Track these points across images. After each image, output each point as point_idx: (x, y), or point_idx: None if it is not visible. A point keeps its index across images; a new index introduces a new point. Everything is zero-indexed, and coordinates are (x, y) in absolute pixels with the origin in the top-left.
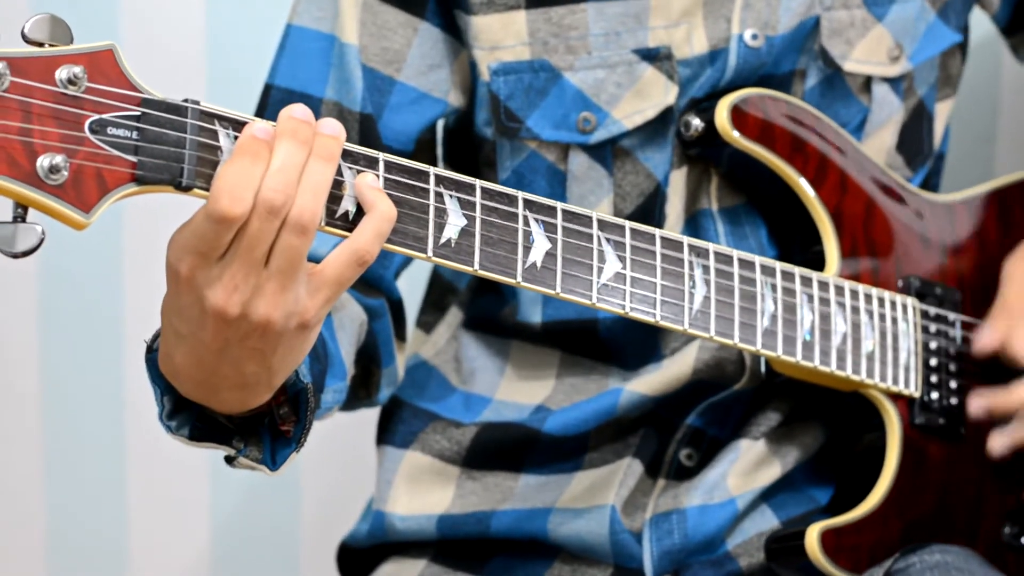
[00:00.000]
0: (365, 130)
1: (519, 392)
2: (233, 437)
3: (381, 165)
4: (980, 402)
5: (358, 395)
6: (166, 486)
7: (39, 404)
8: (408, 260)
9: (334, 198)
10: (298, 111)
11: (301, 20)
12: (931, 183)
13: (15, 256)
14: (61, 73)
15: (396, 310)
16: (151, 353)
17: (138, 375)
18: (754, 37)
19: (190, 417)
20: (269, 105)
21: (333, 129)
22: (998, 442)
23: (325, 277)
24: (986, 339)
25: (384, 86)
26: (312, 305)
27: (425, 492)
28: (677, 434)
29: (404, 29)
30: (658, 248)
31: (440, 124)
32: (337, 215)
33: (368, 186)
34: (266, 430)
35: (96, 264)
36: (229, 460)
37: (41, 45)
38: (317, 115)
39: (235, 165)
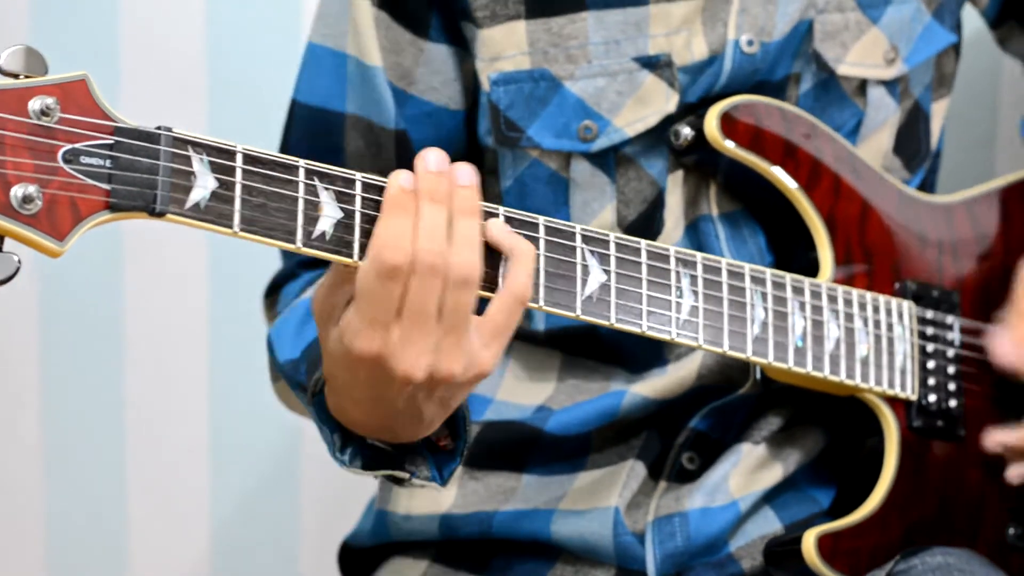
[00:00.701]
0: (400, 147)
1: (520, 392)
2: (403, 462)
3: (358, 185)
4: (994, 440)
5: None
6: (166, 486)
7: (39, 404)
8: None
9: (310, 219)
10: (432, 162)
11: (313, 37)
12: (928, 182)
13: None
14: (34, 104)
15: None
16: (315, 397)
17: (138, 375)
18: (749, 43)
19: (358, 449)
20: (296, 121)
21: (468, 179)
22: (1015, 473)
23: (495, 326)
24: (1003, 346)
25: (400, 99)
26: (488, 356)
27: (427, 492)
28: (679, 437)
29: (411, 47)
30: (644, 259)
31: None
32: (313, 236)
33: (504, 232)
34: (423, 448)
35: (96, 265)
36: (399, 481)
37: (16, 76)
38: (342, 128)
39: (386, 221)
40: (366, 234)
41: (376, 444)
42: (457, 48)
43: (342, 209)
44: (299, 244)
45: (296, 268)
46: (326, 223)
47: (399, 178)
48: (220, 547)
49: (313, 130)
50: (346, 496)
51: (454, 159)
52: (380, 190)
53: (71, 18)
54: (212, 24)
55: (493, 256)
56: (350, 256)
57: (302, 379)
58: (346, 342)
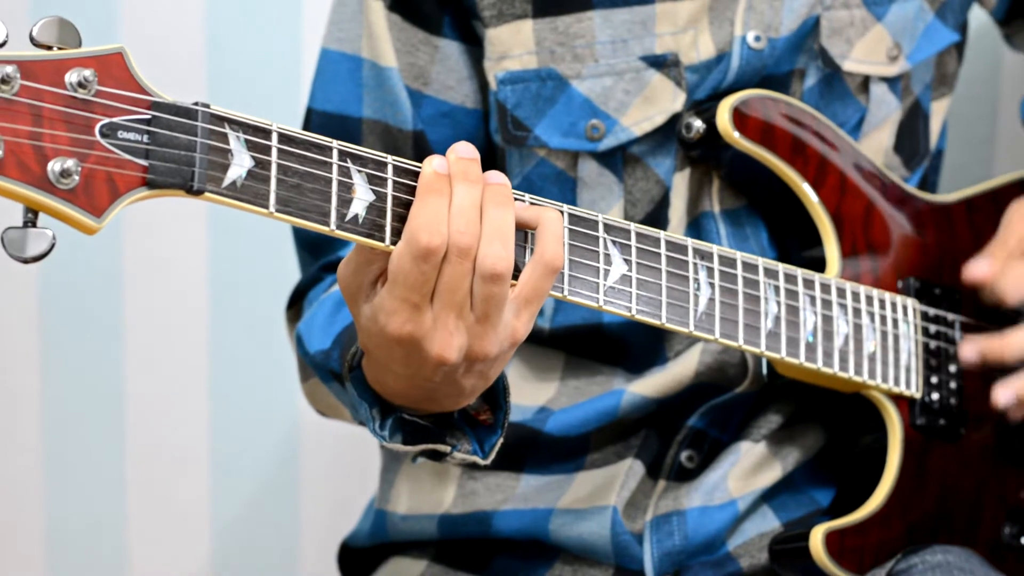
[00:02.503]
0: (418, 148)
1: (522, 393)
2: (444, 435)
3: (389, 168)
4: (972, 347)
5: None
6: (166, 486)
7: (39, 404)
8: None
9: (343, 201)
10: (463, 150)
11: (327, 43)
12: (929, 181)
13: (25, 261)
14: (71, 76)
15: None
16: (353, 371)
17: (138, 375)
18: (756, 39)
19: (397, 424)
20: (313, 129)
21: (499, 177)
22: (1002, 395)
23: (526, 295)
24: (978, 270)
25: (415, 100)
26: (520, 324)
27: (426, 492)
28: (678, 436)
29: (425, 47)
30: (663, 251)
31: None
32: (347, 219)
33: (524, 207)
34: (461, 421)
35: (96, 265)
36: (439, 456)
37: (49, 48)
38: (359, 133)
39: (423, 203)
40: (398, 218)
41: (416, 420)
42: (470, 46)
43: (374, 192)
44: (333, 227)
45: (320, 272)
46: (359, 206)
47: (434, 162)
48: (220, 547)
49: (331, 137)
50: (346, 496)
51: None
52: (411, 174)
53: (71, 18)
54: (212, 23)
55: (521, 237)
56: (382, 240)
57: (334, 366)
58: (381, 322)
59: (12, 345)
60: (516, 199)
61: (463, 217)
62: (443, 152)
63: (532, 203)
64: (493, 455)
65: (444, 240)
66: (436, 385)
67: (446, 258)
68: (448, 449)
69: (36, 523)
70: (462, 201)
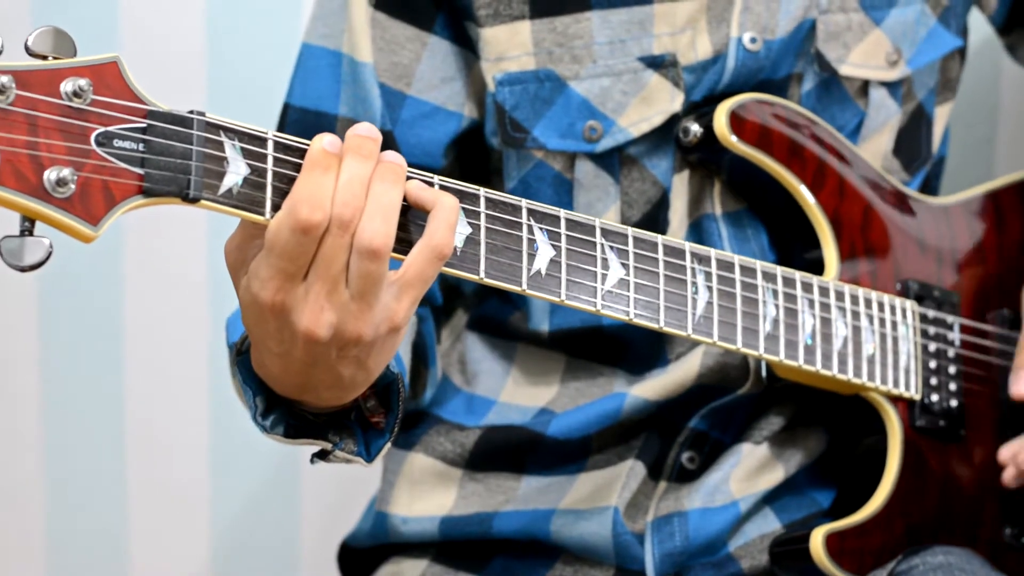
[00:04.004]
0: (386, 147)
1: (524, 395)
2: (328, 432)
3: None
4: (1009, 451)
5: (408, 396)
6: (166, 486)
7: (39, 404)
8: None
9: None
10: (362, 128)
11: (310, 38)
12: (931, 186)
13: (22, 270)
14: (66, 86)
15: (437, 314)
16: (240, 356)
17: (138, 376)
18: (752, 41)
19: (283, 415)
20: (288, 124)
21: (396, 156)
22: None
23: (408, 279)
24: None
25: (395, 101)
26: (400, 308)
27: (428, 494)
28: (680, 437)
29: (413, 43)
30: (660, 255)
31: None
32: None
33: (419, 187)
34: (355, 423)
35: (96, 265)
36: (323, 456)
37: (45, 58)
38: (333, 131)
39: (307, 177)
40: (276, 192)
41: (306, 415)
42: (460, 48)
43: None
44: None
45: None
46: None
47: (323, 139)
48: (220, 547)
49: (305, 134)
50: (346, 496)
51: (449, 164)
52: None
53: (71, 21)
54: (212, 23)
55: (415, 220)
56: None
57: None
58: (254, 290)
59: (12, 345)
60: (424, 181)
61: (348, 190)
62: (417, 157)
63: (441, 186)
64: (379, 458)
65: (326, 215)
66: (311, 370)
67: (327, 231)
68: (330, 446)
69: (36, 523)
70: (350, 175)
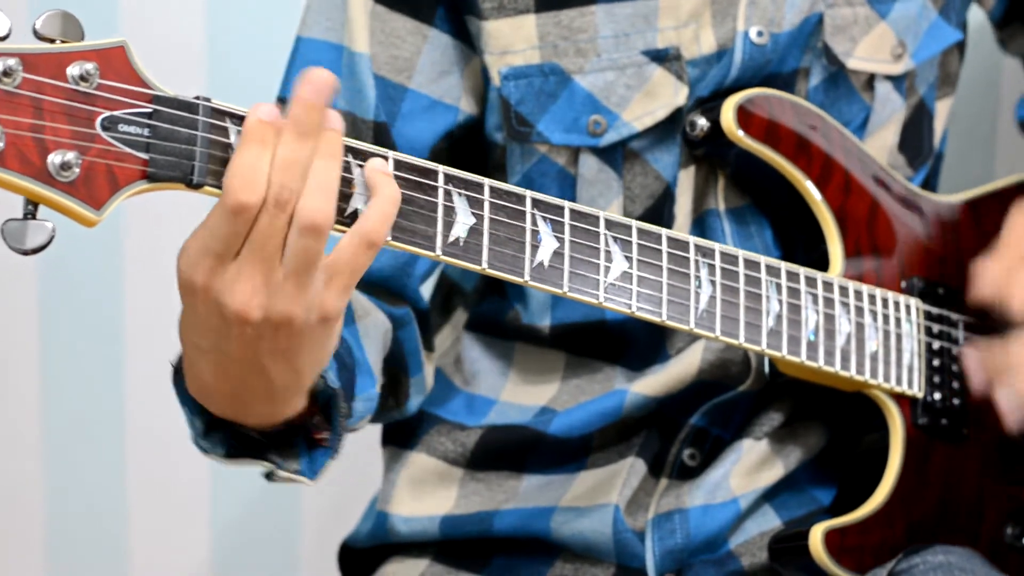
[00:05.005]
0: (379, 139)
1: (524, 394)
2: (269, 452)
3: (391, 163)
4: (976, 357)
5: (387, 404)
6: (167, 486)
7: (39, 404)
8: (431, 269)
9: (344, 196)
10: (309, 93)
11: (310, 32)
12: (930, 183)
13: (25, 253)
14: (73, 70)
15: (422, 319)
16: (178, 375)
17: (139, 375)
18: (759, 34)
19: (225, 437)
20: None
21: (336, 122)
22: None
23: (338, 266)
24: (991, 280)
25: (395, 94)
26: (329, 295)
27: (429, 494)
28: (680, 434)
29: (413, 36)
30: (664, 247)
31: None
32: (347, 213)
33: (375, 170)
34: (301, 441)
35: (96, 264)
36: (269, 476)
37: (52, 41)
38: None
39: (244, 153)
40: (215, 160)
41: (250, 434)
42: (459, 42)
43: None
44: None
45: None
46: (358, 200)
47: (260, 110)
48: (220, 547)
49: None
50: (346, 496)
51: (446, 157)
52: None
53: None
54: (212, 23)
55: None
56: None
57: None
58: (183, 273)
59: (12, 345)
60: (376, 157)
61: (287, 172)
62: (410, 150)
63: (383, 170)
64: (321, 476)
65: (260, 196)
66: (242, 371)
67: (262, 209)
68: (271, 467)
69: (36, 523)
70: (289, 152)
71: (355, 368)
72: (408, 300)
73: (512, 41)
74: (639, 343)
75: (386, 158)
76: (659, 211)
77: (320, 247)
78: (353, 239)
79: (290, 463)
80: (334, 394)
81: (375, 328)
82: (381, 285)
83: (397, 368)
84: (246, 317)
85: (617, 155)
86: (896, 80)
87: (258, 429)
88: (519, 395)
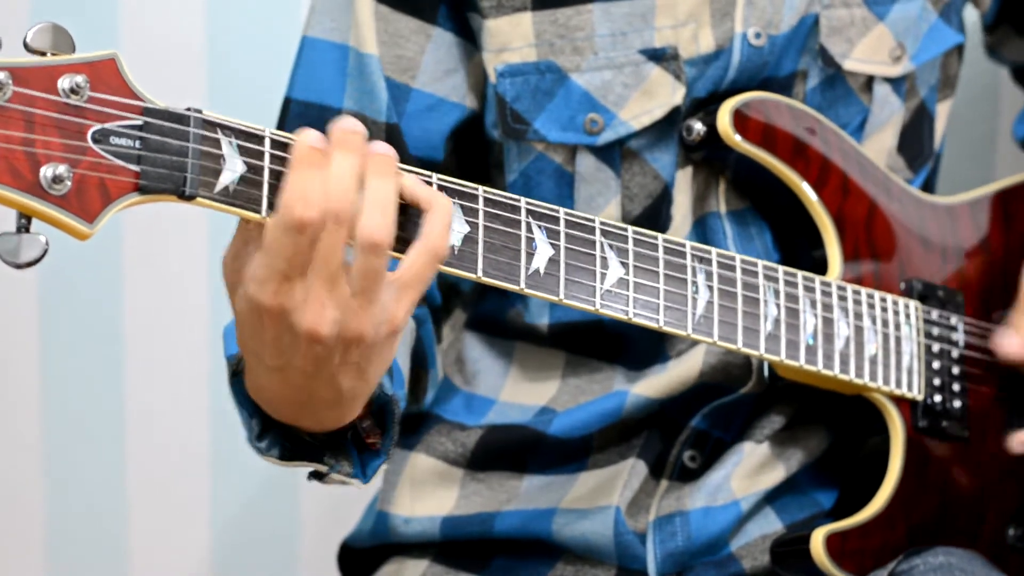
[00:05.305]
0: (391, 140)
1: (524, 393)
2: (324, 454)
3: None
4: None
5: (409, 401)
6: (167, 486)
7: (39, 405)
8: None
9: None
10: (346, 123)
11: (315, 32)
12: (930, 185)
13: (19, 267)
14: (63, 82)
15: (436, 314)
16: (235, 376)
17: (139, 375)
18: (757, 36)
19: (278, 437)
20: (289, 119)
21: (385, 148)
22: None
23: (406, 281)
24: (1011, 345)
25: (401, 94)
26: (399, 310)
27: (429, 494)
28: (681, 436)
29: (417, 36)
30: (660, 254)
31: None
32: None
33: (418, 184)
34: (350, 444)
35: (96, 266)
36: (318, 476)
37: (43, 54)
38: None
39: (298, 174)
40: (272, 190)
41: (301, 436)
42: (462, 39)
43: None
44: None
45: None
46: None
47: (309, 136)
48: (220, 547)
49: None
50: (346, 496)
51: (449, 156)
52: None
53: (71, 21)
54: (212, 24)
55: (412, 217)
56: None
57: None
58: (250, 294)
59: (12, 345)
60: (423, 179)
61: (341, 184)
62: (421, 150)
63: (440, 185)
64: (374, 479)
65: (320, 212)
66: (311, 383)
67: (323, 227)
68: (326, 469)
69: (36, 523)
70: (341, 169)
71: (393, 371)
72: (426, 298)
73: (509, 39)
74: (638, 343)
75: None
76: (657, 211)
77: (383, 263)
78: (421, 254)
79: (344, 465)
80: (390, 400)
81: (407, 330)
82: None
83: (418, 364)
84: (318, 335)
85: (615, 154)
86: (895, 82)
87: (311, 432)
88: (519, 395)
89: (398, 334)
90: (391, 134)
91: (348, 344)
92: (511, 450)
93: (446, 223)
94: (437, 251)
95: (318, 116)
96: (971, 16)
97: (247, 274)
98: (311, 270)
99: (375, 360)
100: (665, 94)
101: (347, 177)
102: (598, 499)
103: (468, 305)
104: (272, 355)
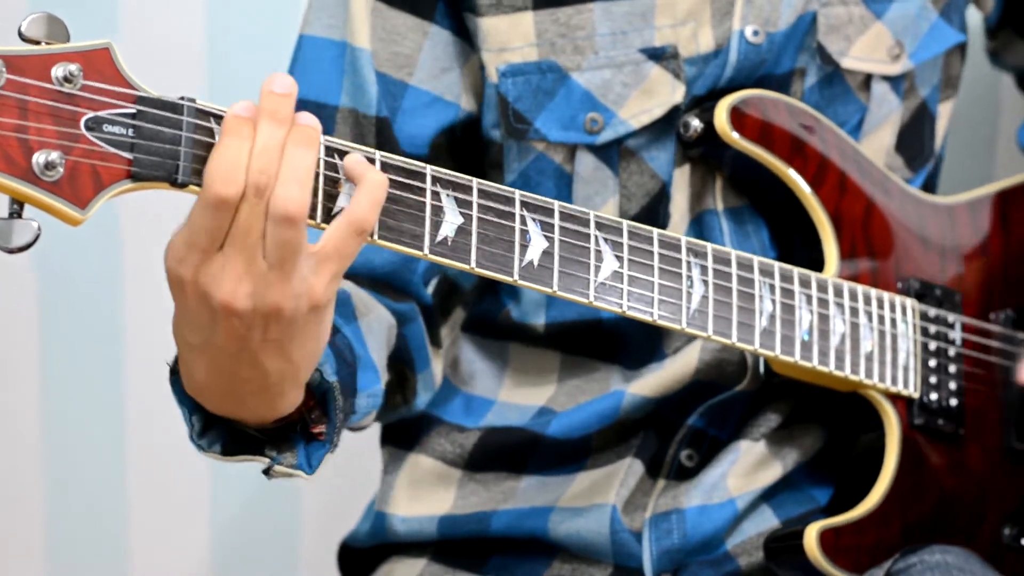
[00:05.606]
0: (381, 134)
1: (521, 394)
2: (265, 447)
3: (377, 163)
4: None
5: (394, 401)
6: (166, 486)
7: (39, 405)
8: (434, 265)
9: (330, 196)
10: (279, 84)
11: (313, 30)
12: (930, 185)
13: (11, 251)
14: (57, 71)
15: (428, 315)
16: (174, 375)
17: (139, 375)
18: (755, 33)
19: (221, 433)
20: None
21: (310, 119)
22: None
23: (326, 252)
24: None
25: (396, 90)
26: (318, 283)
27: (427, 495)
28: (678, 435)
29: (414, 33)
30: (655, 248)
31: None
32: (334, 212)
33: (355, 161)
34: (299, 436)
35: (96, 264)
36: (267, 472)
37: (38, 43)
38: (333, 123)
39: (222, 148)
40: (199, 160)
41: (247, 431)
42: (460, 39)
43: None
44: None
45: None
46: (344, 199)
47: (237, 106)
48: (220, 547)
49: None
50: (346, 496)
51: (442, 158)
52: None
53: (71, 17)
54: (212, 23)
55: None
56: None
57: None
58: (171, 269)
59: (12, 345)
60: (365, 156)
61: (264, 157)
62: (412, 146)
63: (363, 161)
64: (319, 469)
65: (240, 187)
66: (234, 364)
67: (243, 198)
68: (268, 461)
69: (36, 523)
70: (265, 141)
71: (356, 363)
72: (412, 296)
73: (510, 38)
74: (635, 342)
75: (372, 159)
76: (655, 209)
77: (298, 236)
78: (341, 226)
79: (287, 457)
80: (330, 387)
81: (378, 324)
82: (384, 281)
83: (403, 364)
84: (233, 308)
85: (613, 153)
86: (893, 80)
87: (255, 426)
88: (516, 395)
89: (321, 310)
90: (381, 128)
91: (267, 318)
92: (509, 451)
93: (374, 199)
94: (360, 225)
95: (315, 114)
96: (972, 18)
97: (168, 247)
98: (228, 243)
99: (298, 337)
100: (665, 93)
101: (271, 149)
102: (594, 497)
103: (468, 306)
104: (193, 332)
